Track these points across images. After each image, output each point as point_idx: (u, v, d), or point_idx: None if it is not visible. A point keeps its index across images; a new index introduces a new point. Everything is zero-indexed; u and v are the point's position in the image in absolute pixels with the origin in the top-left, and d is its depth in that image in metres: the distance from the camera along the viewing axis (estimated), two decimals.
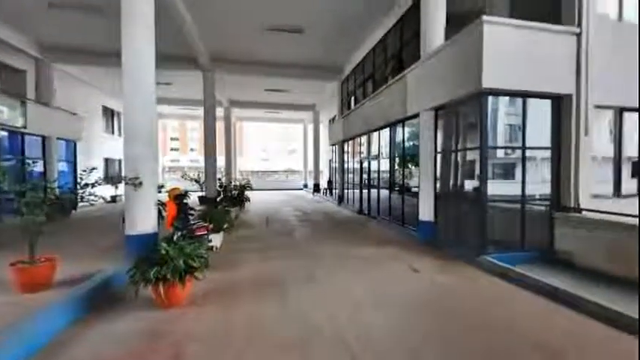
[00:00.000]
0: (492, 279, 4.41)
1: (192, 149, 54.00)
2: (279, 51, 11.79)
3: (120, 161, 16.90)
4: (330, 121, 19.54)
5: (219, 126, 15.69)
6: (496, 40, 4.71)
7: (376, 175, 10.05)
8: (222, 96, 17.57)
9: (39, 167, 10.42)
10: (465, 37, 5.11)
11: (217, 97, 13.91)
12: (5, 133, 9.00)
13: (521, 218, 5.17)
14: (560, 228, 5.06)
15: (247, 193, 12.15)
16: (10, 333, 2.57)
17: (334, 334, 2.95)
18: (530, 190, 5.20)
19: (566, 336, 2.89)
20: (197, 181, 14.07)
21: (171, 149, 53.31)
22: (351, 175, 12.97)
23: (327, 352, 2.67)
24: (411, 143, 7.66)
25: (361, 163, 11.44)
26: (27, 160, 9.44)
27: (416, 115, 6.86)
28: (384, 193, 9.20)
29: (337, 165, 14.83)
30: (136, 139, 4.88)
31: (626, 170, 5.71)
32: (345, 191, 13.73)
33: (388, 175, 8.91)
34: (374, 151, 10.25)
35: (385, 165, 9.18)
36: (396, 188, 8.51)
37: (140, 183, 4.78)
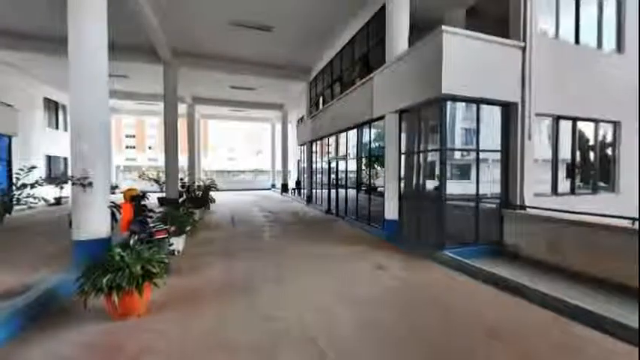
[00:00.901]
0: (450, 272, 4.75)
1: (150, 147, 50.68)
2: (247, 48, 11.51)
3: (66, 159, 15.34)
4: (298, 121, 19.49)
5: (182, 123, 14.93)
6: (454, 50, 5.05)
7: (344, 175, 10.23)
8: (185, 92, 16.70)
9: None
10: (426, 45, 5.41)
11: (180, 92, 13.16)
12: None
13: (475, 215, 5.60)
14: (508, 224, 5.58)
15: (213, 193, 11.69)
16: None
17: (302, 333, 2.95)
18: (483, 190, 5.66)
19: (512, 321, 3.24)
20: (157, 181, 13.27)
21: (127, 147, 49.57)
22: (319, 175, 13.07)
23: (294, 351, 2.67)
24: (377, 144, 7.92)
25: (329, 164, 11.57)
26: None
27: (381, 117, 7.10)
28: (352, 192, 9.40)
29: (305, 165, 14.83)
30: (85, 134, 4.44)
31: (562, 172, 6.45)
32: (314, 191, 13.80)
33: (355, 175, 9.11)
34: (342, 151, 10.43)
35: (352, 165, 9.39)
36: (363, 188, 8.74)
37: (90, 183, 4.37)
